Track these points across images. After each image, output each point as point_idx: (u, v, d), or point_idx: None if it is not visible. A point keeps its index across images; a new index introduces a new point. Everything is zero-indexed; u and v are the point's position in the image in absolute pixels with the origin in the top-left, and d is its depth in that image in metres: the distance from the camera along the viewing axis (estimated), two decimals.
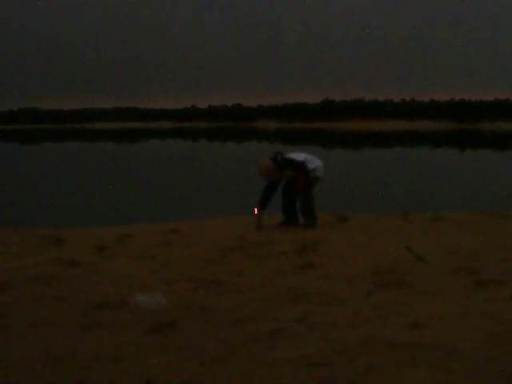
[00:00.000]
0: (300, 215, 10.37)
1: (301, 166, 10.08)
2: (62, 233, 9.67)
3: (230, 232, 9.60)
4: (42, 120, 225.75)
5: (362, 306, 5.55)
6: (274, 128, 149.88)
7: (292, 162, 10.11)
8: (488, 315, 5.16)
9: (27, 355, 4.37)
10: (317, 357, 4.27)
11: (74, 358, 4.32)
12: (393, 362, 4.16)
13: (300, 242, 8.51)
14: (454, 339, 4.57)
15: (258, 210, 10.15)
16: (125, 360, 4.28)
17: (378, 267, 6.91)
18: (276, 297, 5.86)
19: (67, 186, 22.01)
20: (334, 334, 4.75)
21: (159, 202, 16.95)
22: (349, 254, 7.75)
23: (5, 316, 5.31)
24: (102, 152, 51.73)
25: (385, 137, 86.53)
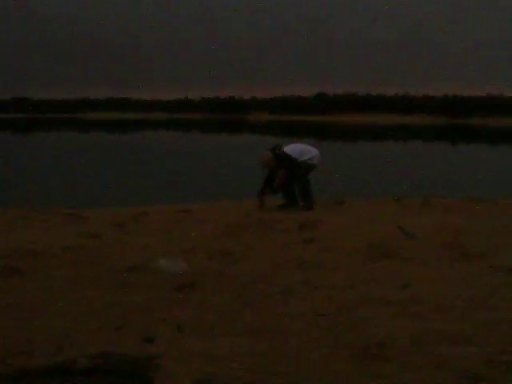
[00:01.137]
0: (299, 198, 11.19)
1: (289, 164, 10.95)
2: (82, 212, 10.40)
3: (237, 212, 10.39)
4: (34, 109, 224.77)
5: (359, 271, 6.33)
6: (267, 120, 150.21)
7: (285, 157, 10.99)
8: (467, 280, 5.92)
9: (72, 307, 5.08)
10: (320, 310, 5.01)
11: (113, 309, 5.04)
12: (385, 313, 4.90)
13: (300, 221, 9.27)
14: (437, 297, 5.32)
15: (260, 194, 11.01)
16: (156, 311, 4.99)
17: (372, 242, 7.66)
18: (282, 264, 6.63)
19: (76, 173, 22.62)
20: (334, 293, 5.50)
21: (166, 188, 17.61)
22: (345, 232, 8.52)
23: (45, 276, 6.04)
24: (101, 141, 52.23)
25: (378, 130, 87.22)
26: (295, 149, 11.29)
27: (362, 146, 47.67)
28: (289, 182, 11.19)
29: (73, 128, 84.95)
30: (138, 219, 9.65)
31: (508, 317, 4.77)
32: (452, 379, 3.67)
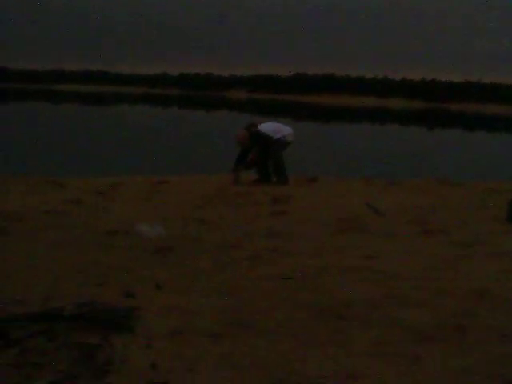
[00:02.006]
0: (273, 174, 11.59)
1: (263, 141, 11.37)
2: (61, 180, 10.69)
3: (212, 185, 10.76)
4: (10, 79, 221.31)
5: (326, 242, 6.74)
6: (245, 98, 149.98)
7: (259, 134, 11.39)
8: (427, 253, 6.37)
9: (55, 266, 5.42)
10: (287, 274, 5.41)
11: (94, 268, 5.38)
12: (348, 279, 5.31)
13: (274, 194, 9.67)
14: (398, 267, 5.74)
15: (234, 170, 11.38)
16: (137, 271, 5.36)
17: (340, 217, 8.09)
18: (254, 233, 7.04)
19: (52, 143, 22.73)
20: (301, 260, 5.91)
21: (143, 161, 17.83)
22: (316, 206, 8.95)
23: (29, 238, 6.38)
24: (77, 113, 52.11)
25: (355, 112, 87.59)
26: (269, 127, 11.72)
27: (338, 128, 48.07)
28: (263, 159, 11.57)
29: (49, 99, 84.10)
30: (116, 188, 9.98)
31: (460, 286, 5.19)
32: (403, 337, 4.08)
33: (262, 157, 11.50)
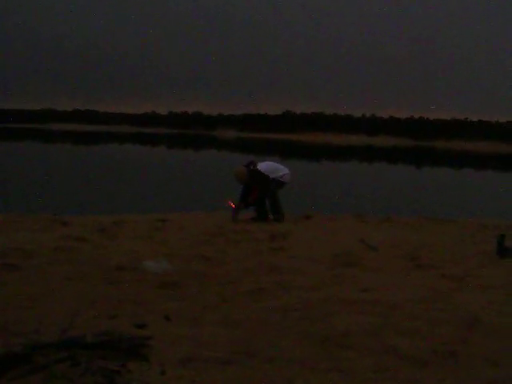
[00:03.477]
0: (269, 212, 11.94)
1: (261, 180, 11.74)
2: (64, 218, 10.98)
3: (211, 222, 11.08)
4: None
5: (324, 276, 7.05)
6: (234, 137, 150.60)
7: (258, 173, 11.75)
8: (420, 285, 6.69)
9: (69, 299, 5.71)
10: (289, 307, 5.71)
11: (106, 301, 5.67)
12: (347, 311, 5.61)
13: (271, 232, 10.00)
14: (394, 298, 6.05)
15: (235, 206, 11.72)
16: (146, 304, 5.65)
17: (336, 252, 8.42)
18: (255, 268, 7.34)
19: (50, 181, 22.96)
20: (301, 294, 6.22)
21: (138, 199, 18.10)
22: (313, 242, 9.27)
23: (41, 272, 6.66)
24: (68, 152, 52.33)
25: (343, 150, 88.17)
26: (267, 166, 12.11)
27: (328, 166, 48.54)
28: (260, 197, 11.93)
29: (40, 139, 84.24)
30: (118, 226, 10.27)
31: (452, 316, 5.51)
32: (400, 363, 4.38)
33: (261, 195, 11.86)
